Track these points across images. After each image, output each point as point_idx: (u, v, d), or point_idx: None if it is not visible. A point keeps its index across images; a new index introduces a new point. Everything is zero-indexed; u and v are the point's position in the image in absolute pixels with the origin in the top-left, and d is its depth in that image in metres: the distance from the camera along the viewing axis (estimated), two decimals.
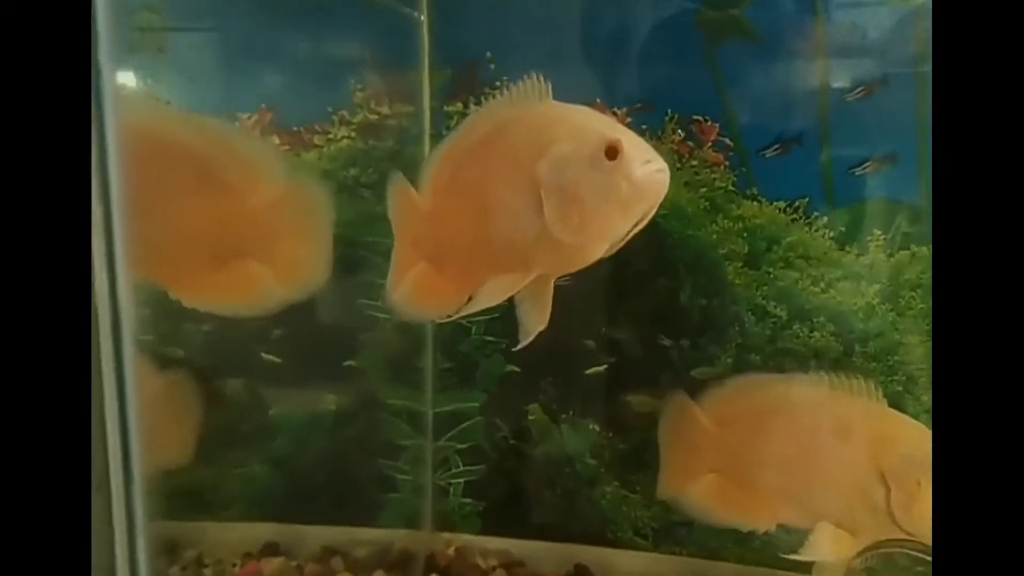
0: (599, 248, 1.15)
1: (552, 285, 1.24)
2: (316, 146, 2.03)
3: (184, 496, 2.00)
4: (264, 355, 2.06)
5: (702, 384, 1.90)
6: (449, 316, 1.31)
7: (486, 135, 1.25)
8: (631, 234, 1.13)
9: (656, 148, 1.83)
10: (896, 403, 1.79)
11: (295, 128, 2.02)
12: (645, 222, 1.12)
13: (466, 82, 1.97)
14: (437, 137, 1.99)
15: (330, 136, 2.03)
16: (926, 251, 1.78)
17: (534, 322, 1.24)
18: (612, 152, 1.08)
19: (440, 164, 1.33)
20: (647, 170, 1.09)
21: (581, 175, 1.10)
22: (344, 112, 2.02)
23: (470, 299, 1.26)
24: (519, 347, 1.23)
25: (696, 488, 1.65)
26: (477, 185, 1.25)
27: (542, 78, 1.20)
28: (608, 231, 1.12)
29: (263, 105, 2.02)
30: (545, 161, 1.12)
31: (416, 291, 1.36)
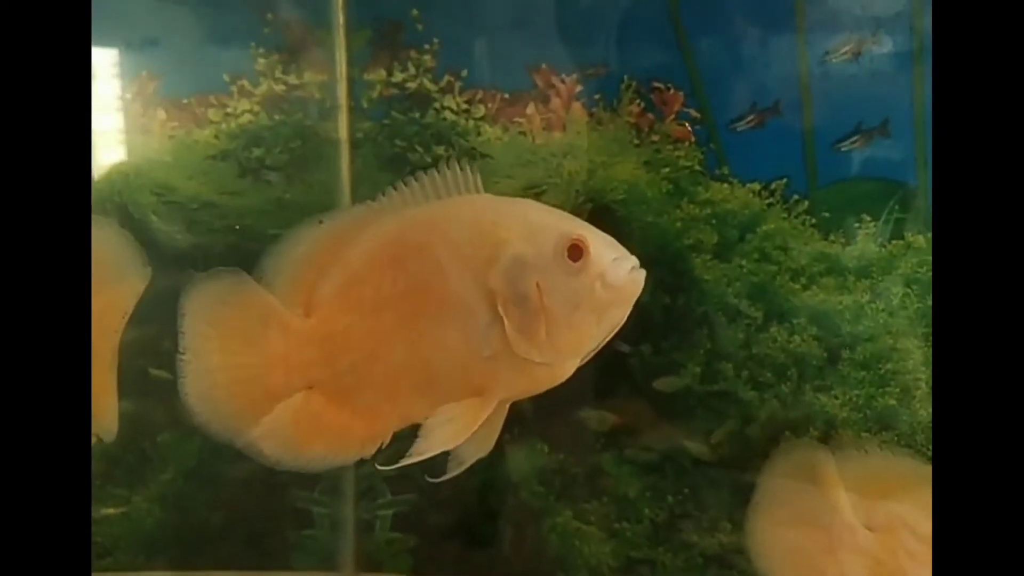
0: (571, 364, 1.03)
1: (506, 409, 1.06)
2: (211, 122, 1.76)
3: None
4: (152, 371, 1.77)
5: (666, 397, 1.68)
6: (390, 462, 1.05)
7: (401, 237, 1.05)
8: (600, 345, 1.02)
9: (611, 120, 1.70)
10: (890, 418, 1.60)
11: (184, 100, 1.74)
12: (616, 329, 1.01)
13: (388, 45, 1.71)
14: (357, 110, 1.73)
15: (228, 110, 1.75)
16: (923, 240, 1.59)
17: (475, 449, 1.04)
18: (576, 252, 0.98)
19: (312, 271, 1.08)
20: (621, 270, 0.98)
21: (543, 281, 0.98)
22: (244, 81, 1.74)
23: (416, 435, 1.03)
24: (444, 478, 1.04)
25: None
26: (399, 299, 1.05)
27: (469, 167, 1.04)
28: (582, 343, 1.01)
29: (145, 72, 1.74)
30: (499, 267, 1.00)
31: (302, 429, 1.08)
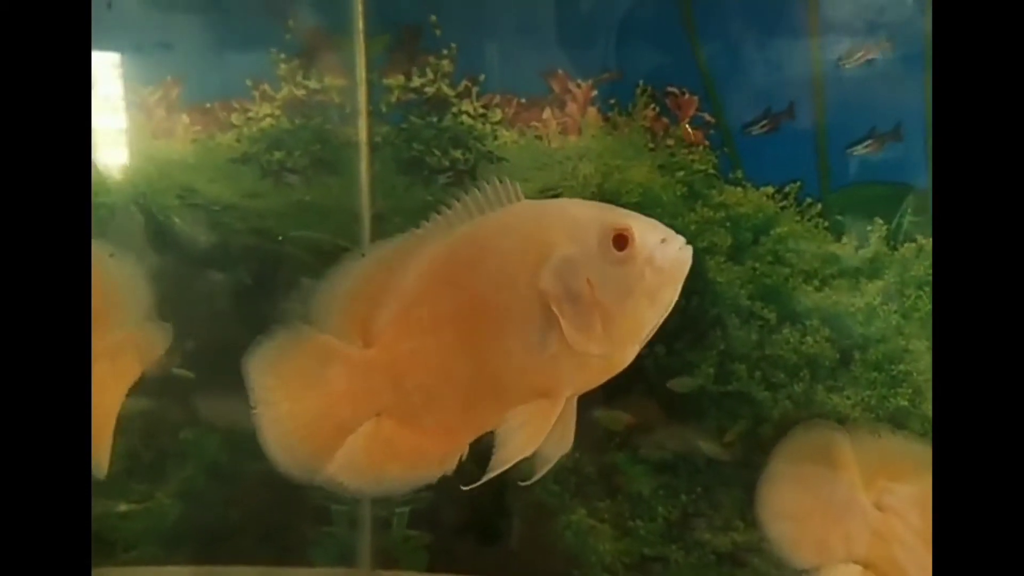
0: (631, 350, 1.04)
1: (575, 403, 1.08)
2: (233, 126, 1.77)
3: None
4: (174, 370, 1.79)
5: (680, 397, 1.69)
6: (474, 481, 1.06)
7: (452, 256, 1.07)
8: (657, 326, 1.03)
9: (626, 125, 1.71)
10: (900, 419, 1.60)
11: (208, 104, 1.76)
12: (670, 308, 1.02)
13: (406, 50, 1.72)
14: (375, 114, 1.75)
15: (250, 114, 1.77)
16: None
17: (555, 447, 1.08)
18: (621, 241, 0.98)
19: (365, 304, 1.11)
20: (669, 250, 0.99)
21: (592, 275, 0.99)
22: (266, 86, 1.75)
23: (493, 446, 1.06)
24: (535, 478, 1.07)
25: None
26: (457, 317, 1.07)
27: (508, 181, 1.06)
28: (638, 329, 1.02)
29: (169, 77, 1.76)
30: (548, 270, 1.01)
31: (378, 455, 1.11)
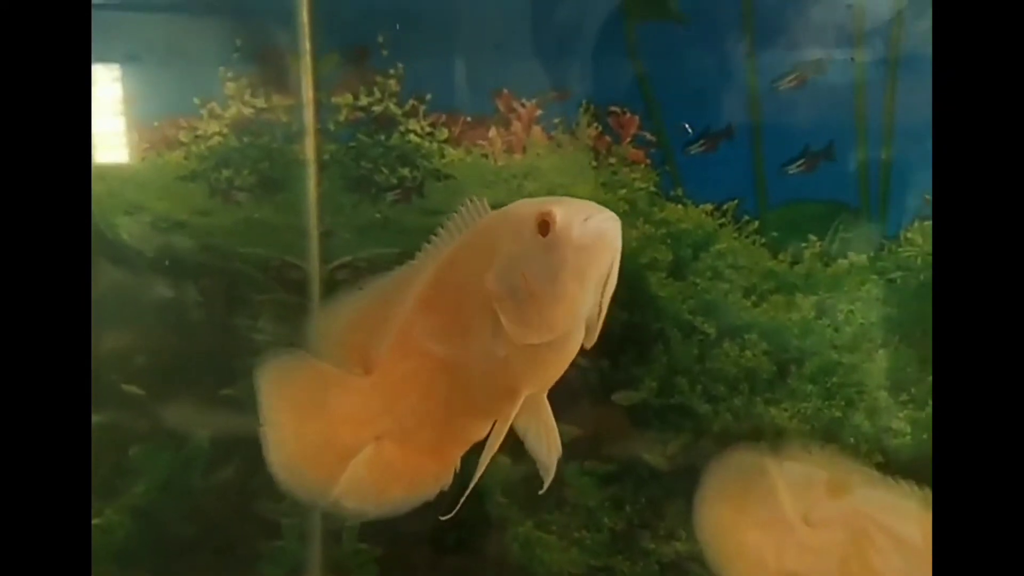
0: (575, 335, 1.02)
1: (547, 404, 1.10)
2: (182, 143, 1.78)
3: None
4: (124, 386, 1.80)
5: (624, 410, 1.73)
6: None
7: (433, 279, 1.09)
8: (604, 302, 1.00)
9: (570, 143, 1.74)
10: (834, 430, 1.65)
11: (155, 123, 1.77)
12: (612, 283, 0.99)
13: (354, 70, 1.74)
14: (324, 133, 1.76)
15: (198, 132, 1.77)
16: (865, 259, 1.63)
17: (549, 452, 1.10)
18: (545, 227, 0.96)
19: (364, 333, 1.13)
20: (589, 227, 0.95)
21: (526, 267, 0.98)
22: (214, 104, 1.76)
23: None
24: (544, 489, 1.09)
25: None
26: (435, 334, 1.09)
27: (476, 199, 1.07)
28: (572, 310, 0.98)
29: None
30: (492, 272, 1.01)
31: (379, 478, 1.13)
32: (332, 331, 1.15)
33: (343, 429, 1.13)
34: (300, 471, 1.14)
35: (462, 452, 1.12)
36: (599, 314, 1.00)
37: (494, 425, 1.08)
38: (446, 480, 1.11)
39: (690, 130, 1.64)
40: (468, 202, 1.05)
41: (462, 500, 1.11)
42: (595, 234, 0.95)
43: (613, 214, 0.96)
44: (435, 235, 1.08)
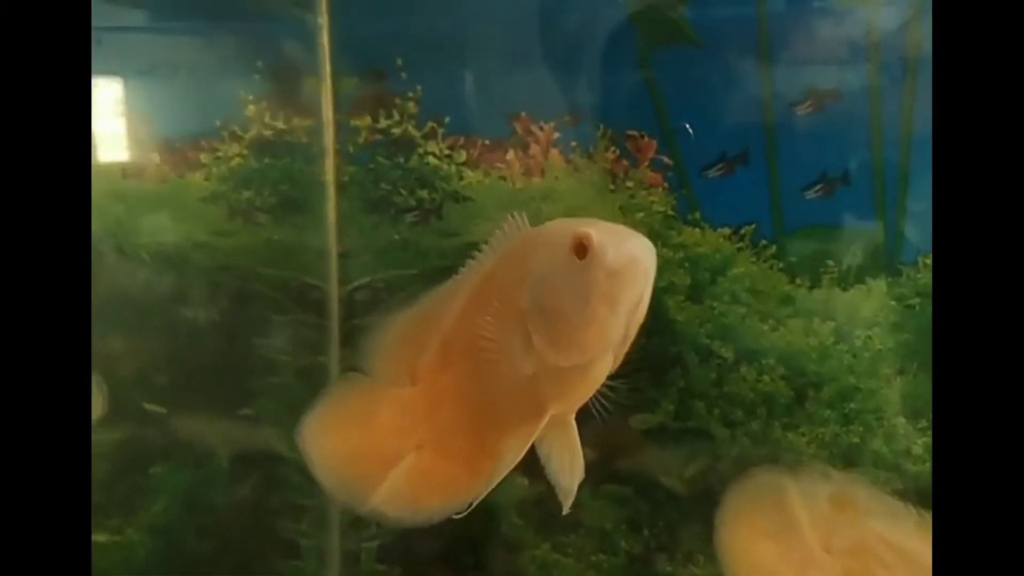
0: (603, 359, 1.02)
1: (575, 427, 1.10)
2: (203, 165, 1.80)
3: None
4: (145, 405, 1.82)
5: (641, 433, 1.73)
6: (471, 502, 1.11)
7: (473, 294, 1.10)
8: (632, 328, 0.99)
9: (588, 167, 1.75)
10: (852, 455, 1.64)
11: (176, 144, 1.79)
12: (643, 311, 0.98)
13: (373, 92, 1.75)
14: (343, 154, 1.78)
15: (219, 154, 1.79)
16: (883, 285, 1.63)
17: (570, 477, 1.09)
18: (581, 249, 0.96)
19: (410, 346, 1.15)
20: (623, 252, 0.95)
21: (558, 287, 0.98)
22: (235, 126, 1.78)
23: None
24: (566, 511, 1.08)
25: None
26: (471, 347, 1.09)
27: (517, 214, 1.06)
28: (602, 335, 0.98)
29: (139, 117, 1.79)
30: (525, 290, 1.01)
31: (417, 487, 1.14)
32: (381, 347, 1.17)
33: (387, 438, 1.15)
34: (344, 477, 1.16)
35: (494, 466, 1.10)
36: (625, 339, 1.00)
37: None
38: (477, 492, 1.10)
39: (691, 131, 1.64)
40: (510, 218, 1.06)
41: (473, 504, 1.09)
42: (629, 260, 0.95)
43: (648, 241, 0.96)
44: (479, 251, 1.09)
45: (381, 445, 1.15)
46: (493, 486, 1.07)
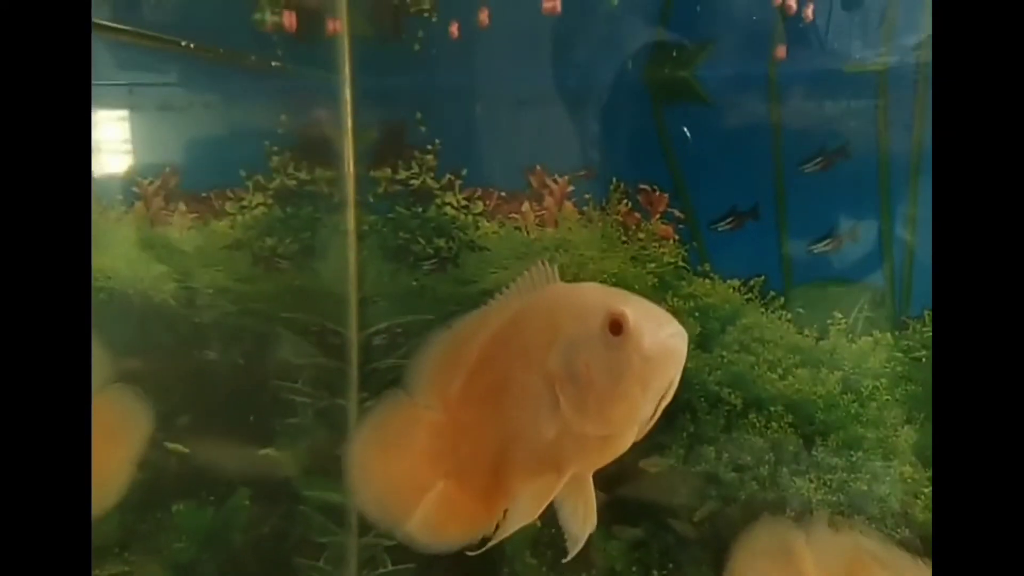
0: (628, 433, 1.05)
1: (591, 481, 1.12)
2: (228, 214, 1.86)
3: None
4: (168, 444, 1.87)
5: (652, 476, 1.77)
6: (485, 542, 1.14)
7: (498, 333, 1.12)
8: (660, 407, 1.02)
9: (601, 219, 1.80)
10: (859, 504, 1.67)
11: (203, 193, 1.85)
12: (672, 392, 1.02)
13: (392, 145, 1.81)
14: (363, 204, 1.83)
15: (244, 203, 1.86)
16: (890, 337, 1.67)
17: (582, 526, 1.11)
18: (616, 327, 0.98)
19: (446, 372, 1.18)
20: (658, 338, 0.98)
21: (591, 358, 1.00)
22: (259, 177, 1.85)
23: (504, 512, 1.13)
24: (569, 558, 1.10)
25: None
26: (495, 389, 1.12)
27: (547, 262, 1.09)
28: (631, 413, 1.01)
29: (168, 168, 1.86)
30: (554, 350, 1.03)
31: (443, 514, 1.17)
32: (422, 370, 1.19)
33: (421, 464, 1.18)
34: (382, 500, 1.19)
35: (505, 506, 1.13)
36: (653, 417, 1.03)
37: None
38: (489, 527, 1.13)
39: (688, 134, 1.69)
40: (539, 264, 1.08)
41: (488, 545, 1.12)
42: (665, 350, 0.98)
43: (682, 328, 0.99)
44: (503, 290, 1.11)
45: (416, 470, 1.18)
46: (509, 532, 1.09)
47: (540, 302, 1.09)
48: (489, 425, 1.14)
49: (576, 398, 1.01)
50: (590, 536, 1.82)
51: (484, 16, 1.73)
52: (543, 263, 1.08)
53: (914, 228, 1.62)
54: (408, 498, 1.17)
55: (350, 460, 1.20)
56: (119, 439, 1.32)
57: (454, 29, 1.73)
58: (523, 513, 1.09)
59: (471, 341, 1.15)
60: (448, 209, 1.80)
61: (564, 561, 1.13)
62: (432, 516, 1.16)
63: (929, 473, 1.66)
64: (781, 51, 1.63)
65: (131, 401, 1.29)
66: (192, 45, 1.45)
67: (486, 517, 1.15)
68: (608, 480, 1.79)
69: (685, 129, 1.68)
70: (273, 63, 1.74)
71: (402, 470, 1.19)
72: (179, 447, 1.87)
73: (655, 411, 1.02)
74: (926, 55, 1.57)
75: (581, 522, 1.11)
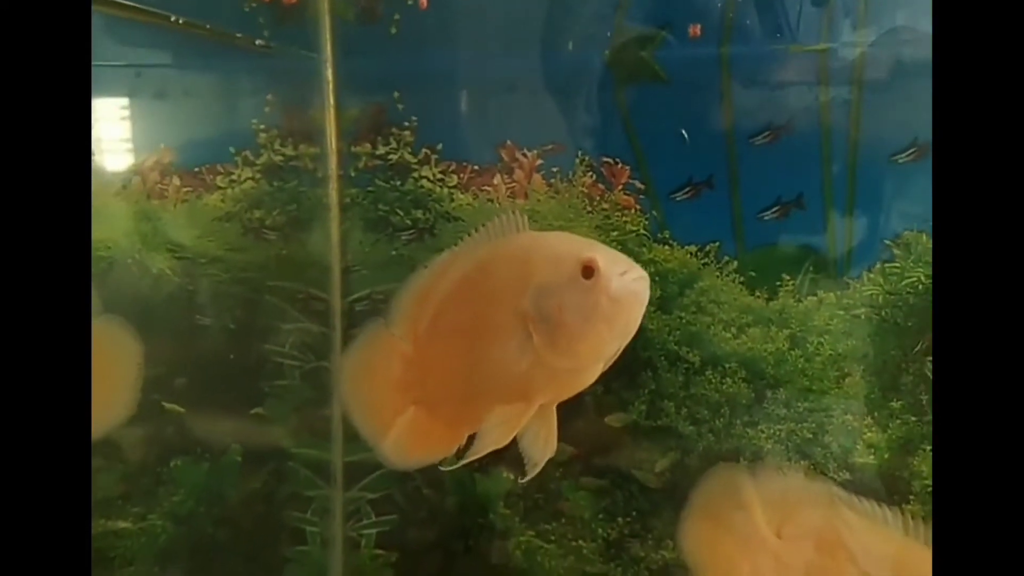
0: (594, 367, 1.16)
1: (555, 411, 1.22)
2: (219, 188, 1.98)
3: None
4: (165, 404, 1.99)
5: (616, 431, 1.90)
6: (457, 460, 1.25)
7: (467, 275, 1.23)
8: (622, 344, 1.13)
9: (567, 190, 1.92)
10: (805, 450, 1.80)
11: (195, 169, 1.97)
12: (633, 330, 1.12)
13: (372, 123, 1.92)
14: (345, 179, 1.95)
15: (233, 177, 1.97)
16: (833, 297, 1.79)
17: (542, 451, 1.21)
18: (588, 271, 1.08)
19: (417, 308, 1.28)
20: (624, 282, 1.08)
21: (563, 299, 1.10)
22: (247, 153, 1.96)
23: (472, 436, 1.22)
24: (527, 478, 1.20)
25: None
26: (465, 326, 1.23)
27: (518, 212, 1.19)
28: (598, 349, 1.12)
29: (163, 145, 1.97)
30: (528, 294, 1.13)
31: (411, 437, 1.29)
32: (400, 304, 1.29)
33: (395, 390, 1.29)
34: (363, 420, 1.30)
35: (471, 432, 1.23)
36: (615, 353, 1.14)
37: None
38: (451, 451, 1.25)
39: (686, 135, 1.80)
40: (509, 213, 1.17)
41: (460, 463, 1.23)
42: (630, 292, 1.08)
43: (644, 273, 1.09)
44: (475, 230, 1.20)
45: (389, 395, 1.28)
46: (482, 454, 1.17)
47: (512, 248, 1.18)
48: (456, 359, 1.23)
49: (549, 335, 1.11)
50: (560, 487, 1.97)
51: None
52: (514, 212, 1.18)
53: (853, 195, 1.75)
54: (383, 419, 1.28)
55: (338, 379, 1.33)
56: (115, 360, 1.40)
57: (424, 2, 1.84)
58: (494, 438, 1.17)
59: (439, 281, 1.24)
60: (425, 182, 1.92)
61: (522, 482, 1.24)
62: (402, 438, 1.27)
63: (867, 421, 1.79)
64: (732, 34, 1.75)
65: (118, 328, 1.37)
66: (181, 21, 1.55)
67: (450, 440, 1.25)
68: (576, 435, 1.94)
69: (683, 132, 1.79)
70: (258, 42, 1.84)
71: (377, 394, 1.30)
72: (175, 407, 1.99)
73: (619, 347, 1.13)
74: (864, 36, 1.70)
75: (542, 447, 1.20)
